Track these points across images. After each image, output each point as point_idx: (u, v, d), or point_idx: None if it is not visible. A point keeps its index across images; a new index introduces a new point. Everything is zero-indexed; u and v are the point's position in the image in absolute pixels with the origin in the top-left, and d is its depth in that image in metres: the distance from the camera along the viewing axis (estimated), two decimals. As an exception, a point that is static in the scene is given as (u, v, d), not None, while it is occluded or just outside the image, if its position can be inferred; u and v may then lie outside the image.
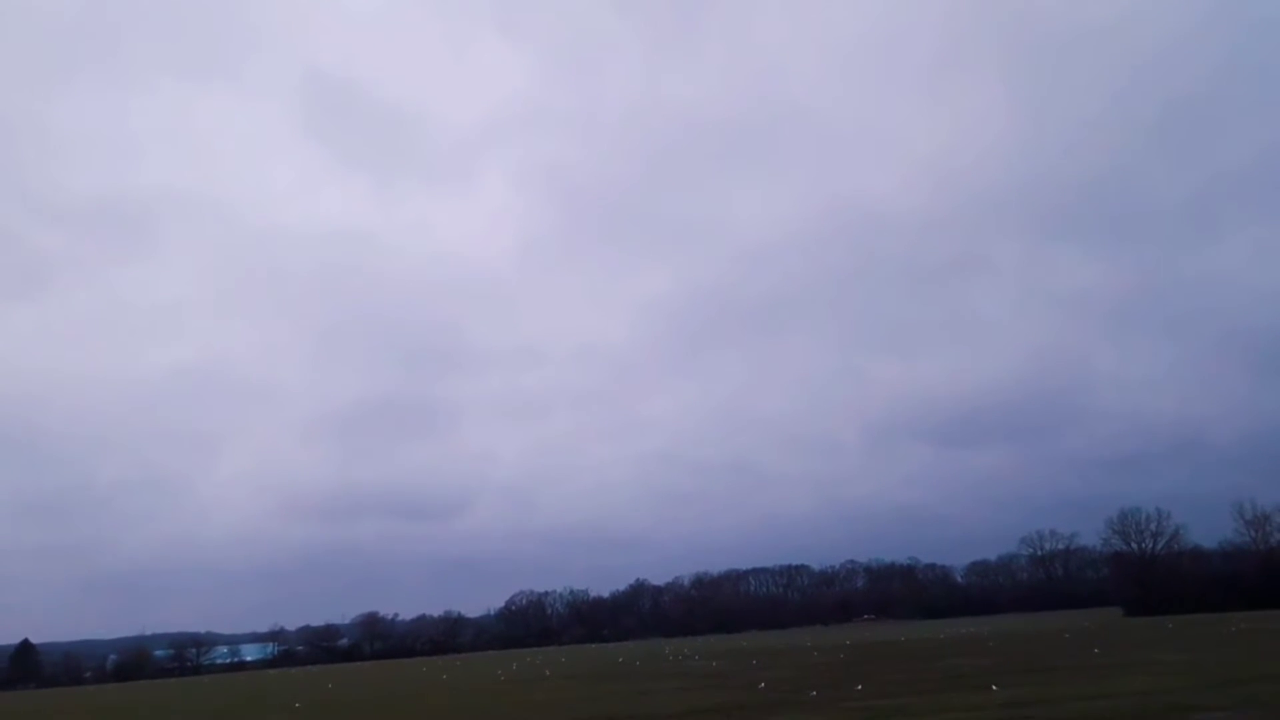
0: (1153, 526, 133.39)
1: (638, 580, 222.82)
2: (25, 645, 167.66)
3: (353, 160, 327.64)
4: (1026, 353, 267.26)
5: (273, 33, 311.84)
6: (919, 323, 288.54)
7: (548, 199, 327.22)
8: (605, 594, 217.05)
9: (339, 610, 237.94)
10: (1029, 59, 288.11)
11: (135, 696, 77.90)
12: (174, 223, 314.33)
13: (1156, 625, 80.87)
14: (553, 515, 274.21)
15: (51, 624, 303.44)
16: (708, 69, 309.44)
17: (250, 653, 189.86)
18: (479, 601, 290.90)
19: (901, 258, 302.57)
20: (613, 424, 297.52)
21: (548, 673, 61.87)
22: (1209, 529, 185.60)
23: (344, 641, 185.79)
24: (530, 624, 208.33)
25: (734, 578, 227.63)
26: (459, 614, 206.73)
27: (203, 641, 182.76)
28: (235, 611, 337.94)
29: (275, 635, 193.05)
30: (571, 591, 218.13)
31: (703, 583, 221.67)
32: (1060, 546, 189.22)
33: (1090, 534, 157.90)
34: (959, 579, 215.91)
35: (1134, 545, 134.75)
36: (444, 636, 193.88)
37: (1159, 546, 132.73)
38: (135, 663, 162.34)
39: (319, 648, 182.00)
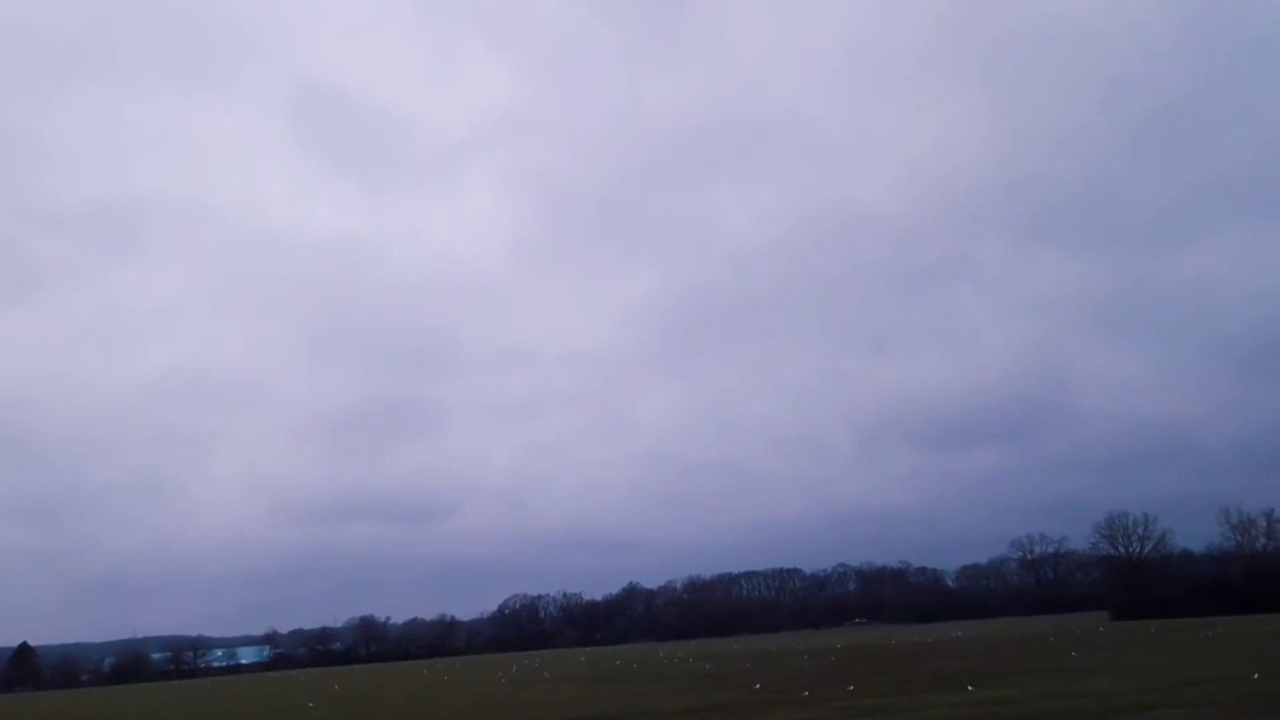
0: (1140, 531, 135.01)
1: (631, 584, 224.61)
2: (24, 648, 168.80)
3: (342, 166, 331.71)
4: (1013, 355, 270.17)
5: (263, 43, 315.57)
6: (906, 325, 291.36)
7: (535, 203, 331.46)
8: (598, 597, 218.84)
9: (330, 614, 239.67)
10: (1010, 65, 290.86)
11: (152, 698, 79.38)
12: (166, 228, 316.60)
13: (1139, 629, 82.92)
14: (544, 518, 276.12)
15: (41, 627, 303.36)
16: (689, 76, 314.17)
17: (245, 656, 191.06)
18: (470, 605, 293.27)
19: (888, 261, 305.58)
20: (603, 426, 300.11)
21: (547, 675, 63.58)
22: (1196, 533, 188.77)
23: (338, 645, 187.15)
24: (523, 627, 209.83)
25: (726, 581, 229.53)
26: (452, 617, 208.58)
27: (195, 645, 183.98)
28: (226, 615, 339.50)
29: (270, 638, 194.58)
30: (565, 595, 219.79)
31: (695, 586, 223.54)
32: (1050, 550, 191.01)
33: (1080, 537, 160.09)
34: (950, 582, 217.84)
35: (1121, 549, 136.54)
36: (438, 640, 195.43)
37: (1146, 551, 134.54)
38: (133, 665, 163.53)
39: (315, 651, 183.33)
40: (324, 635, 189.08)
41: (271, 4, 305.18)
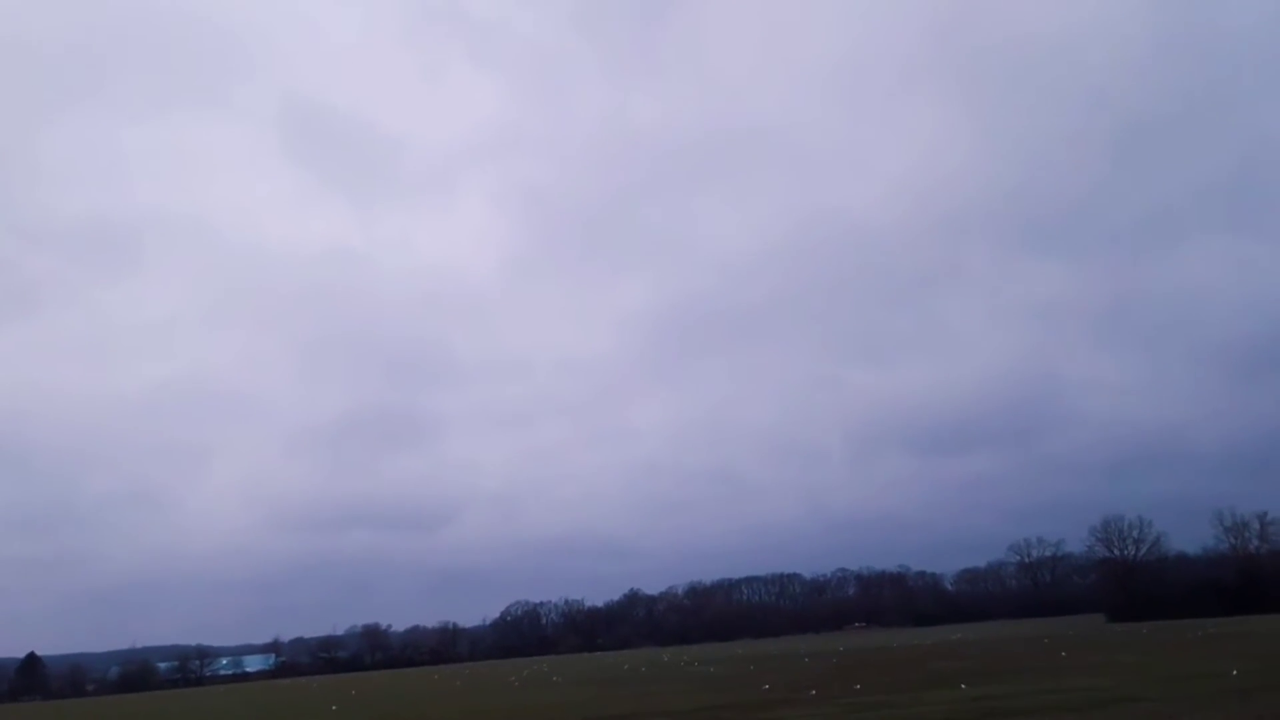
0: (1135, 534, 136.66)
1: (632, 590, 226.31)
2: (32, 658, 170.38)
3: (334, 182, 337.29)
4: (1004, 362, 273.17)
5: (255, 62, 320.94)
6: (897, 333, 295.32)
7: (526, 216, 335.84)
8: (599, 604, 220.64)
9: (330, 622, 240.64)
10: (991, 81, 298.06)
11: (173, 706, 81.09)
12: (160, 244, 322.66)
13: (1132, 630, 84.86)
14: (542, 526, 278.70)
15: (41, 637, 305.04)
16: (674, 92, 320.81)
17: (250, 665, 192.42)
18: (469, 613, 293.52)
19: (879, 270, 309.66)
20: (599, 434, 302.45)
21: (556, 679, 65.42)
22: (1191, 535, 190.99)
23: (343, 653, 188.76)
24: (525, 634, 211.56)
25: (727, 587, 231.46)
26: (454, 625, 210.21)
27: (195, 654, 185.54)
28: (226, 624, 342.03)
29: (273, 647, 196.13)
30: (566, 601, 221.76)
31: (696, 592, 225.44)
32: (1048, 554, 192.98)
33: (1077, 541, 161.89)
34: (949, 586, 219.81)
35: (1117, 552, 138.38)
36: (441, 647, 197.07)
37: (1141, 553, 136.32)
38: (140, 674, 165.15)
39: (320, 658, 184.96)
40: (329, 643, 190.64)
41: (263, 25, 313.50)
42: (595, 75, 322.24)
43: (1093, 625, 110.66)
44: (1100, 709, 24.76)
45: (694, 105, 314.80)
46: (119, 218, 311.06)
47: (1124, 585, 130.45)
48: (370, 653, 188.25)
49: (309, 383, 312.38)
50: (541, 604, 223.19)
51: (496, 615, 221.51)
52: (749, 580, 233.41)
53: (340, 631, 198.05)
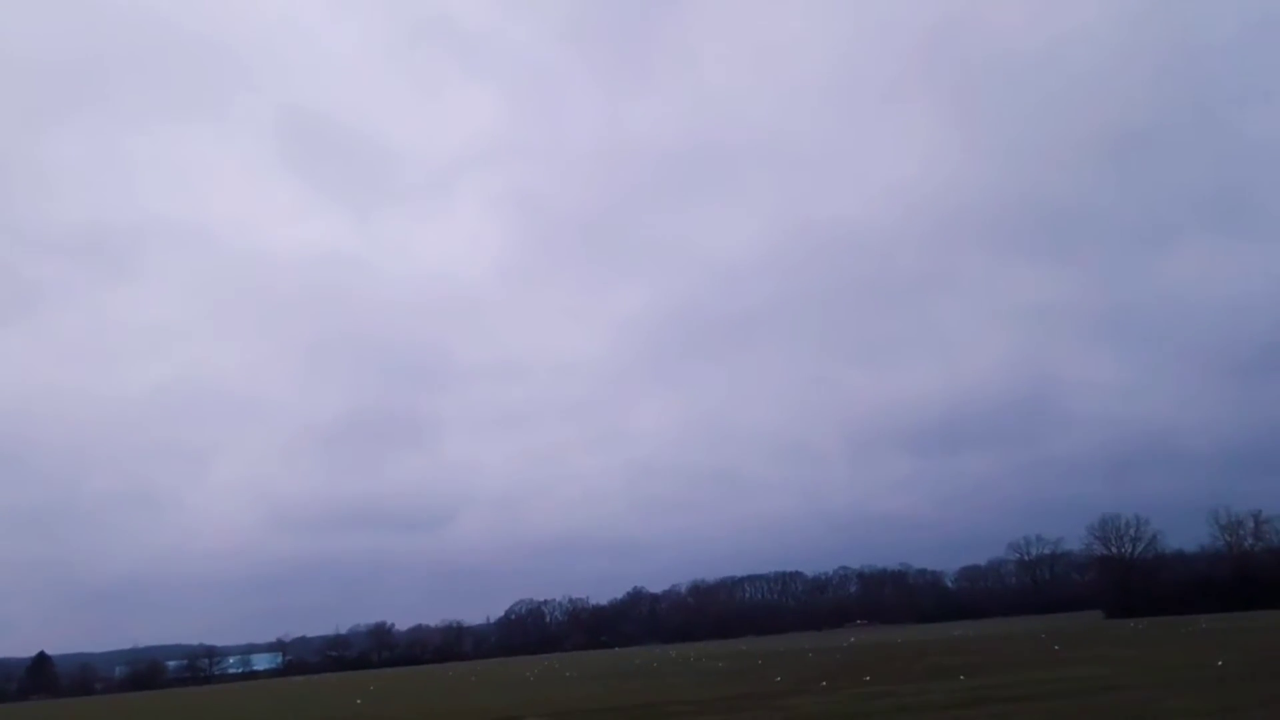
0: (1132, 532, 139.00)
1: (635, 588, 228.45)
2: (41, 657, 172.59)
3: (332, 190, 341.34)
4: (1000, 363, 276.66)
5: (253, 73, 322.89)
6: (896, 336, 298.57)
7: (522, 224, 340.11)
8: (603, 602, 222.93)
9: (332, 621, 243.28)
10: (980, 92, 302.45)
11: (194, 703, 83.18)
12: (162, 249, 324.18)
13: (1128, 626, 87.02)
14: (543, 525, 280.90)
15: (41, 638, 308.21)
16: (666, 101, 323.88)
17: (258, 663, 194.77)
18: (472, 611, 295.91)
19: (875, 275, 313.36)
20: (599, 435, 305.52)
21: (569, 675, 67.53)
22: (1187, 533, 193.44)
23: (351, 651, 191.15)
24: (530, 632, 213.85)
25: (730, 584, 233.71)
26: (458, 623, 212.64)
27: (199, 654, 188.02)
28: (228, 624, 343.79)
29: (278, 646, 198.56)
30: (570, 599, 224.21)
31: (699, 590, 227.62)
32: (1046, 551, 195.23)
33: (1075, 539, 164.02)
34: (949, 584, 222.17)
35: (1114, 550, 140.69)
36: (447, 645, 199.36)
37: (1138, 551, 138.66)
38: (149, 673, 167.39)
39: (328, 657, 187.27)
40: (337, 642, 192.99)
41: (261, 37, 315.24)
42: (589, 85, 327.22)
43: (1090, 622, 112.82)
44: (1088, 696, 26.95)
45: (688, 114, 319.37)
46: (121, 223, 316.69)
47: (1121, 582, 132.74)
48: (377, 651, 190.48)
49: (310, 385, 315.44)
50: (546, 602, 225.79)
51: (499, 614, 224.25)
52: (751, 578, 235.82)
53: (344, 631, 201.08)
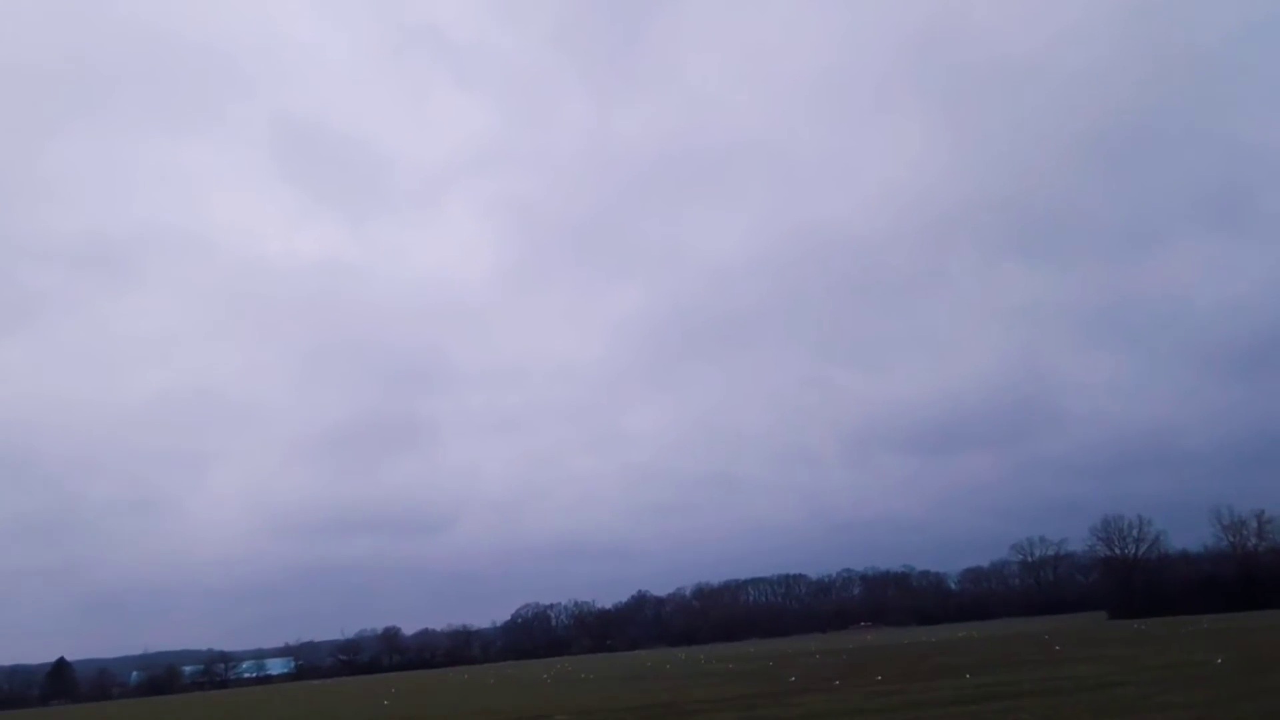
0: (1135, 533, 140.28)
1: (640, 591, 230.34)
2: (61, 663, 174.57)
3: (328, 198, 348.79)
4: (999, 364, 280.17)
5: (249, 83, 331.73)
6: (889, 337, 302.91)
7: (516, 229, 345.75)
8: (607, 606, 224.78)
9: (336, 626, 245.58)
10: (967, 96, 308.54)
11: (221, 706, 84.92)
12: (161, 258, 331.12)
13: (1130, 627, 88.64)
14: (545, 530, 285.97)
15: (49, 644, 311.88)
16: (656, 106, 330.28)
17: (271, 668, 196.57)
18: (475, 615, 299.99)
19: (867, 276, 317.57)
20: (599, 439, 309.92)
21: (584, 676, 69.31)
22: (1191, 533, 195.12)
23: (363, 656, 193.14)
24: (536, 636, 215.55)
25: (733, 588, 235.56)
26: (464, 627, 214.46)
27: (218, 659, 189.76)
28: (234, 629, 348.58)
29: (284, 651, 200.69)
30: (576, 603, 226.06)
31: (704, 593, 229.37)
32: (1050, 553, 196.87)
33: (1078, 540, 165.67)
34: (952, 585, 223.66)
35: (1117, 551, 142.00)
36: (455, 649, 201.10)
37: (1141, 552, 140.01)
38: (166, 679, 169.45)
39: (340, 661, 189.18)
40: (349, 646, 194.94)
41: (255, 48, 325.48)
42: (579, 91, 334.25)
43: (1093, 622, 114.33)
44: (1087, 692, 28.69)
45: (677, 118, 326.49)
46: (121, 232, 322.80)
47: (1124, 583, 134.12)
48: (388, 655, 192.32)
49: (310, 391, 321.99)
50: (552, 606, 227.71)
51: (504, 618, 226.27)
52: (755, 581, 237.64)
53: (349, 635, 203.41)
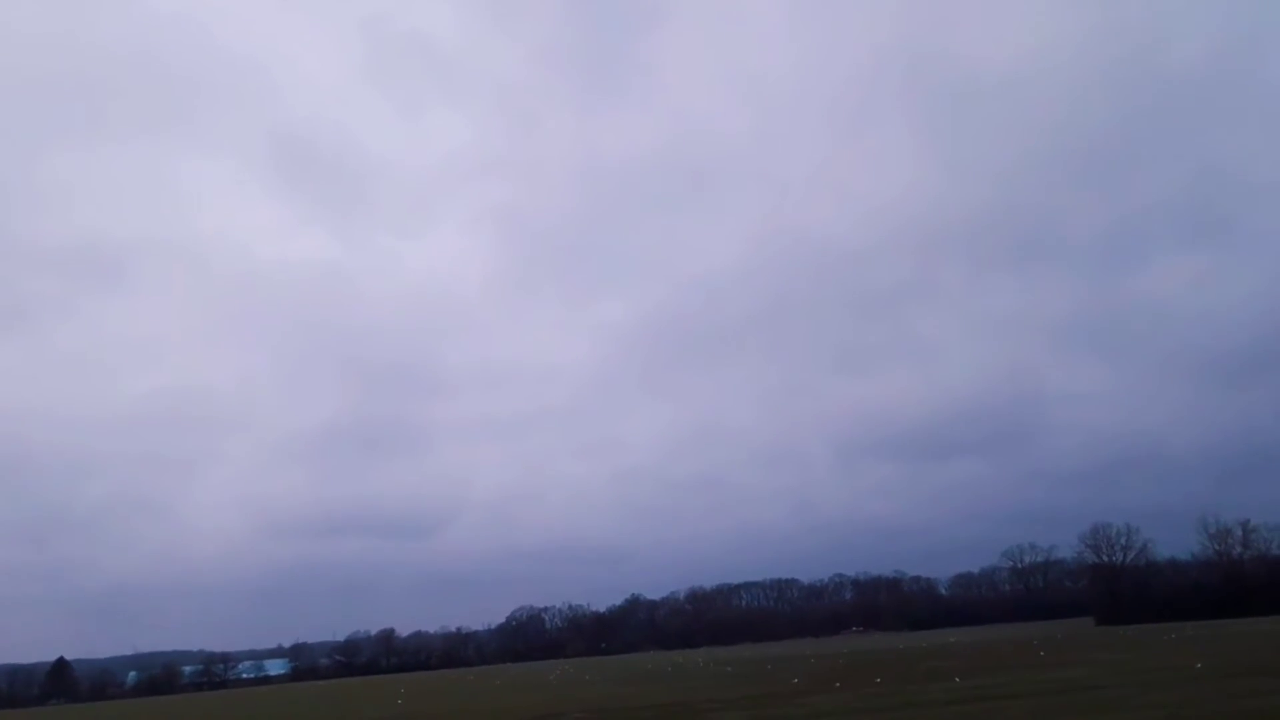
0: (1123, 541, 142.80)
1: (633, 595, 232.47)
2: (61, 663, 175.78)
3: (319, 207, 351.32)
4: (987, 373, 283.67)
5: (242, 95, 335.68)
6: (880, 346, 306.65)
7: (505, 237, 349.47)
8: (601, 609, 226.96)
9: (329, 628, 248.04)
10: (952, 109, 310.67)
11: (233, 706, 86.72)
12: (152, 266, 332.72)
13: (1116, 632, 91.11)
14: (535, 533, 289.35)
15: (42, 645, 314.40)
16: (641, 119, 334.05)
17: (269, 669, 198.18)
18: (466, 617, 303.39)
19: (855, 286, 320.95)
20: (589, 444, 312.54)
21: (587, 677, 71.39)
22: (1178, 541, 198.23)
23: (361, 657, 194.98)
24: (530, 638, 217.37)
25: (726, 592, 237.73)
26: (459, 629, 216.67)
27: (198, 660, 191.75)
28: (225, 630, 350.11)
29: (282, 651, 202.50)
30: (570, 606, 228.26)
31: (697, 597, 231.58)
32: (1039, 559, 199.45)
33: (1068, 547, 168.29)
34: (943, 591, 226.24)
35: (1105, 558, 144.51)
36: (451, 650, 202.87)
37: (1129, 559, 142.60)
38: (165, 679, 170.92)
39: (338, 662, 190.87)
40: (347, 647, 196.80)
41: (247, 61, 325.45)
42: (567, 103, 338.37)
43: (1081, 628, 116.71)
44: (1070, 694, 31.02)
45: (665, 131, 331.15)
46: (114, 240, 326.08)
47: (1112, 590, 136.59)
48: (385, 656, 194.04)
49: (301, 396, 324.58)
50: (546, 609, 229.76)
51: (497, 621, 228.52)
52: (747, 585, 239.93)
53: (340, 637, 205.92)
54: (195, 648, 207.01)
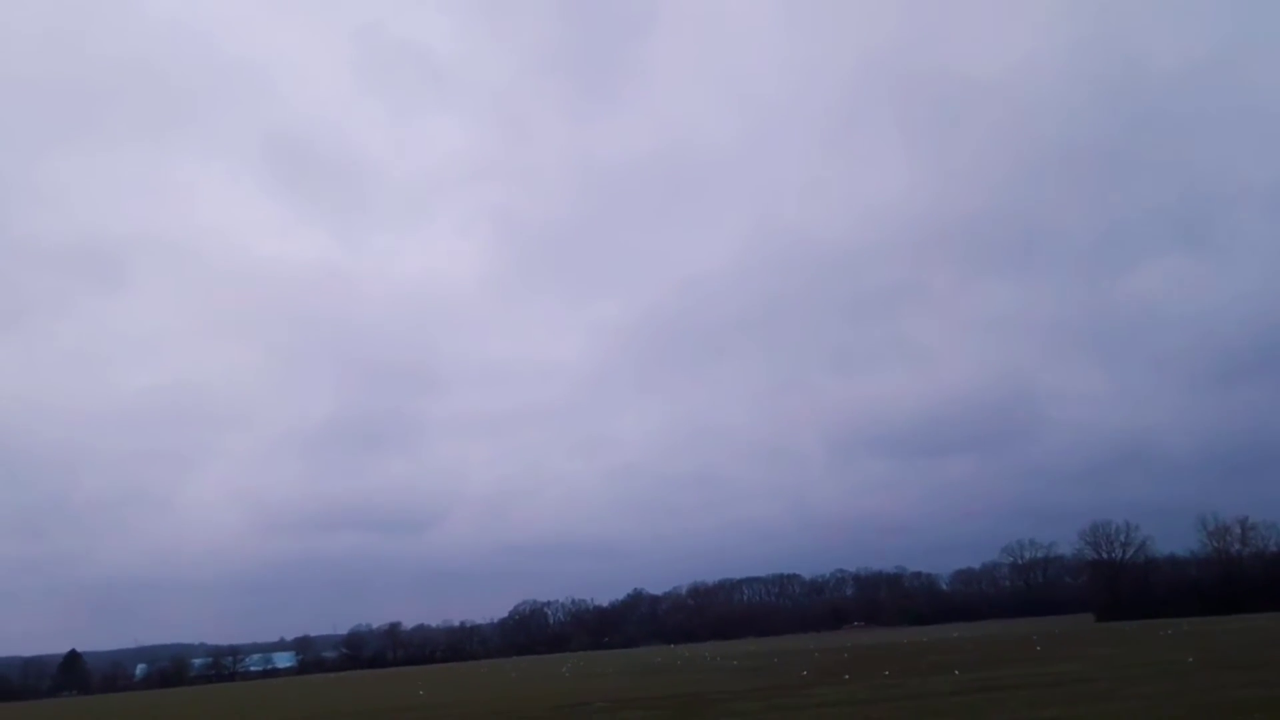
0: (1122, 538, 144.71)
1: (636, 589, 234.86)
2: (73, 655, 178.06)
3: (316, 207, 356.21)
4: (982, 373, 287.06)
5: (240, 97, 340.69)
6: (876, 345, 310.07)
7: (500, 238, 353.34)
8: (604, 603, 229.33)
9: (330, 621, 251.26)
10: (941, 114, 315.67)
11: (250, 697, 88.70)
12: (150, 264, 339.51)
13: (1113, 628, 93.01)
14: (538, 528, 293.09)
15: (43, 637, 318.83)
16: (634, 123, 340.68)
17: (276, 661, 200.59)
18: (466, 611, 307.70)
19: (849, 287, 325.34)
20: (588, 440, 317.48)
21: (599, 670, 73.35)
22: (1178, 538, 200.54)
23: (338, 652, 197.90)
24: (533, 632, 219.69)
25: (728, 587, 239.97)
26: (463, 623, 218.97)
27: (195, 653, 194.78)
28: (227, 623, 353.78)
29: (283, 645, 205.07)
30: (573, 600, 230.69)
31: (699, 592, 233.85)
32: (1039, 555, 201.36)
33: (1067, 544, 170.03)
34: (944, 586, 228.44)
35: (1105, 555, 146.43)
36: (457, 644, 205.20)
37: (1128, 556, 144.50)
38: (174, 671, 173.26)
39: (344, 655, 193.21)
40: (353, 640, 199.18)
41: (244, 66, 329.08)
42: (561, 107, 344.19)
43: (1080, 624, 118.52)
44: (1065, 686, 32.91)
45: (658, 135, 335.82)
46: (111, 240, 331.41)
47: (1111, 586, 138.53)
48: (392, 650, 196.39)
49: (298, 393, 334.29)
50: (549, 603, 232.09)
51: (498, 615, 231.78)
52: (749, 580, 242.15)
53: (342, 631, 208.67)
54: (197, 640, 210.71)
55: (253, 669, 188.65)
